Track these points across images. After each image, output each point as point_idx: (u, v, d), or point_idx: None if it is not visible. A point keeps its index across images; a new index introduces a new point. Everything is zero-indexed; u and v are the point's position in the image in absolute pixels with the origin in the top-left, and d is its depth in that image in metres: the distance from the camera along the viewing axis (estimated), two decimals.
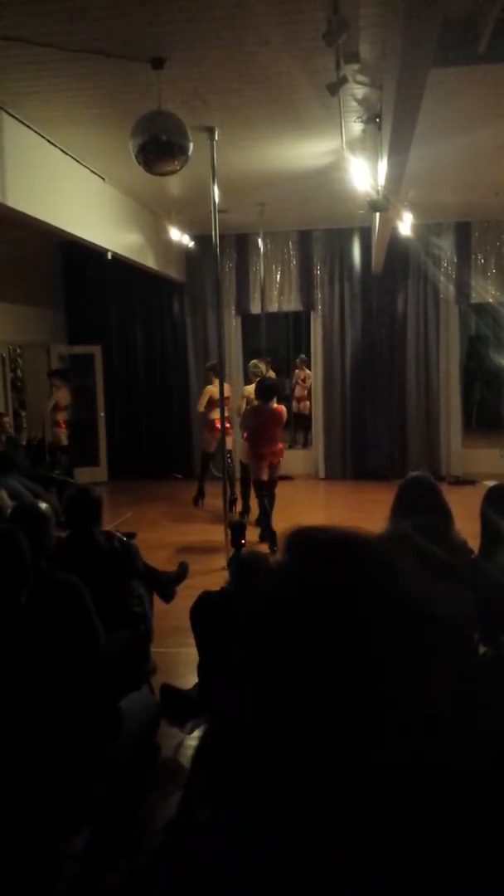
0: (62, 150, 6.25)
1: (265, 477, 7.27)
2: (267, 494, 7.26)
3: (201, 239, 9.65)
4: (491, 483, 3.76)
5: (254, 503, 7.59)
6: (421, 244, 9.87)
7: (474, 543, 3.24)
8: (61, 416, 10.03)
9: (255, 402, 7.38)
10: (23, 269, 9.86)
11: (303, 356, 13.44)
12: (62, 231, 6.42)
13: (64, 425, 10.01)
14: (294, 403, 13.05)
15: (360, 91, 5.16)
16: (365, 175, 5.90)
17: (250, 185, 7.74)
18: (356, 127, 5.92)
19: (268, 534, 6.91)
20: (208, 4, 3.96)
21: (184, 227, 9.37)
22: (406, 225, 7.43)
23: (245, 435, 7.45)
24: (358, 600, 0.69)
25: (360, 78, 4.91)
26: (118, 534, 3.81)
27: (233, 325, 11.03)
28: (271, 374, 8.56)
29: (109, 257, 7.84)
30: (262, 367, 8.35)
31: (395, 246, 9.17)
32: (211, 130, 5.80)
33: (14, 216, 5.59)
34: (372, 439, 10.78)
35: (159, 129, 4.79)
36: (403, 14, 3.22)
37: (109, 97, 5.26)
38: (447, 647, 0.75)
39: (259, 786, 0.69)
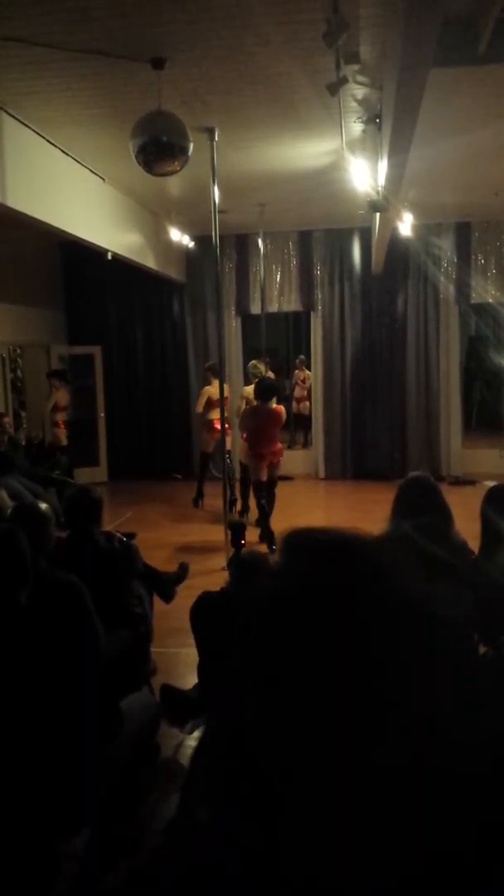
0: (62, 151, 6.25)
1: (264, 477, 7.28)
2: (266, 495, 7.27)
3: (201, 239, 9.65)
4: (491, 483, 3.76)
5: (253, 503, 7.59)
6: (421, 244, 9.87)
7: (474, 543, 3.23)
8: (60, 417, 10.04)
9: (255, 403, 7.39)
10: (23, 270, 9.85)
11: (302, 357, 13.45)
12: (62, 231, 6.42)
13: (63, 426, 10.02)
14: (293, 404, 13.07)
15: (360, 91, 5.15)
16: (365, 175, 5.89)
17: (250, 186, 7.73)
18: (356, 127, 5.92)
19: (266, 534, 6.93)
20: (208, 4, 3.96)
21: (184, 228, 9.36)
22: (406, 225, 7.43)
23: (244, 435, 7.46)
24: (358, 600, 0.69)
25: (360, 78, 4.91)
26: (118, 534, 3.81)
27: (233, 326, 11.02)
28: (270, 374, 8.56)
29: (109, 257, 7.83)
30: (262, 367, 8.35)
31: (395, 246, 9.16)
32: (211, 131, 5.80)
33: (14, 216, 5.59)
34: (372, 439, 10.78)
35: (159, 129, 4.79)
36: (403, 14, 3.23)
37: (109, 97, 5.26)
38: (447, 647, 0.75)
39: (259, 786, 0.69)
